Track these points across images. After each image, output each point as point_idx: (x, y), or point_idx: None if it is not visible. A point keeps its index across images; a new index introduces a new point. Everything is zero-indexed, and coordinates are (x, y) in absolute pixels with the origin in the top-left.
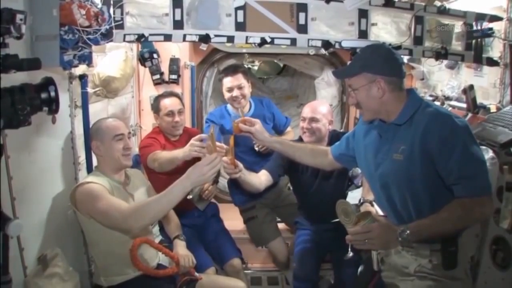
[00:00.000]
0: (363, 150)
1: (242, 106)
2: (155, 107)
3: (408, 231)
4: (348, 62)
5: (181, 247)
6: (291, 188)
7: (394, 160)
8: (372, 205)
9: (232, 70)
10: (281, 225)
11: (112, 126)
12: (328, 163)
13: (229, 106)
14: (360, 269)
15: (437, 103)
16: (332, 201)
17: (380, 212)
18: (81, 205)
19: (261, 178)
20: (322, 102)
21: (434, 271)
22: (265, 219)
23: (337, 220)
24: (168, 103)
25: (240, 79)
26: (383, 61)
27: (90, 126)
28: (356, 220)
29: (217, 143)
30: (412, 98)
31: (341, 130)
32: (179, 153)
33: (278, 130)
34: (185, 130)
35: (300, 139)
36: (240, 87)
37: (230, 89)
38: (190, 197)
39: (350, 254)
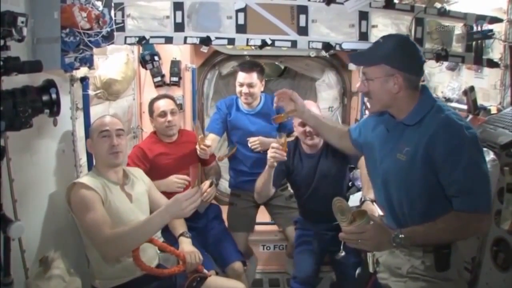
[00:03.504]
0: (370, 142)
1: (249, 102)
2: (150, 110)
3: (402, 235)
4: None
5: (186, 244)
6: (288, 188)
7: (397, 160)
8: (374, 204)
9: (248, 67)
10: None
11: (100, 123)
12: (351, 147)
13: (240, 100)
14: (358, 271)
15: None
16: (330, 201)
17: (380, 212)
18: (73, 208)
19: None
20: (311, 103)
21: (427, 272)
22: (242, 211)
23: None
24: (161, 104)
25: (253, 78)
26: (406, 57)
27: None
28: (352, 218)
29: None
30: (425, 99)
31: None
32: (160, 186)
33: (285, 130)
34: (181, 132)
35: (297, 139)
36: (251, 86)
37: (241, 85)
38: None
39: (342, 253)
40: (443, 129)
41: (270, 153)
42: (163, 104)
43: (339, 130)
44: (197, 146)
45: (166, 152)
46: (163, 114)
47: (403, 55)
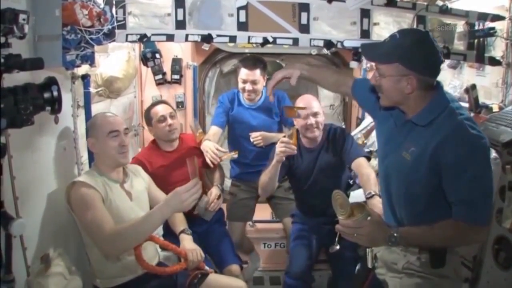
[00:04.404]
0: (379, 131)
1: (252, 99)
2: (147, 117)
3: (397, 235)
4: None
5: (188, 242)
6: (287, 180)
7: (401, 158)
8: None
9: (251, 64)
10: (278, 225)
11: (106, 122)
12: (350, 95)
13: (241, 94)
14: (357, 267)
15: None
16: (328, 195)
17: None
18: (74, 207)
19: None
20: (311, 96)
21: (422, 268)
22: (240, 202)
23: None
24: (159, 109)
25: (256, 75)
26: (423, 58)
27: None
28: (350, 212)
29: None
30: (438, 99)
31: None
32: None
33: (286, 124)
34: (180, 138)
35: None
36: (254, 83)
37: (245, 81)
38: (196, 212)
39: (337, 246)
40: (454, 137)
41: (279, 148)
42: (161, 109)
43: (336, 80)
44: (205, 154)
45: (167, 164)
46: (163, 118)
47: (419, 56)
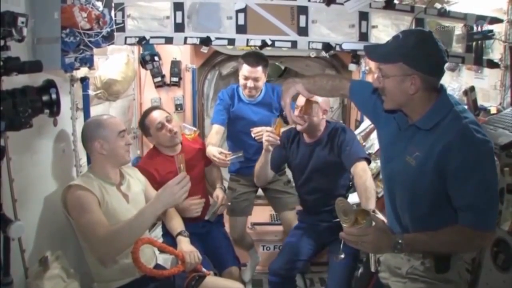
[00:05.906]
0: (381, 135)
1: (253, 95)
2: (143, 127)
3: (402, 242)
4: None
5: (185, 244)
6: (286, 173)
7: (405, 162)
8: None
9: (254, 62)
10: (277, 227)
11: (114, 123)
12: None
13: (241, 90)
14: (360, 270)
15: None
16: (322, 195)
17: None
18: (70, 210)
19: None
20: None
21: (426, 273)
22: (240, 196)
23: (338, 219)
24: (154, 116)
25: (258, 72)
26: (427, 58)
27: None
28: (354, 219)
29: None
30: (441, 102)
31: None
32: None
33: (285, 121)
34: (182, 142)
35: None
36: (256, 80)
37: (246, 78)
38: (207, 217)
39: (342, 255)
40: (460, 141)
41: (264, 137)
42: (157, 115)
43: (332, 87)
44: (214, 162)
45: (174, 169)
46: (161, 125)
47: (423, 55)
